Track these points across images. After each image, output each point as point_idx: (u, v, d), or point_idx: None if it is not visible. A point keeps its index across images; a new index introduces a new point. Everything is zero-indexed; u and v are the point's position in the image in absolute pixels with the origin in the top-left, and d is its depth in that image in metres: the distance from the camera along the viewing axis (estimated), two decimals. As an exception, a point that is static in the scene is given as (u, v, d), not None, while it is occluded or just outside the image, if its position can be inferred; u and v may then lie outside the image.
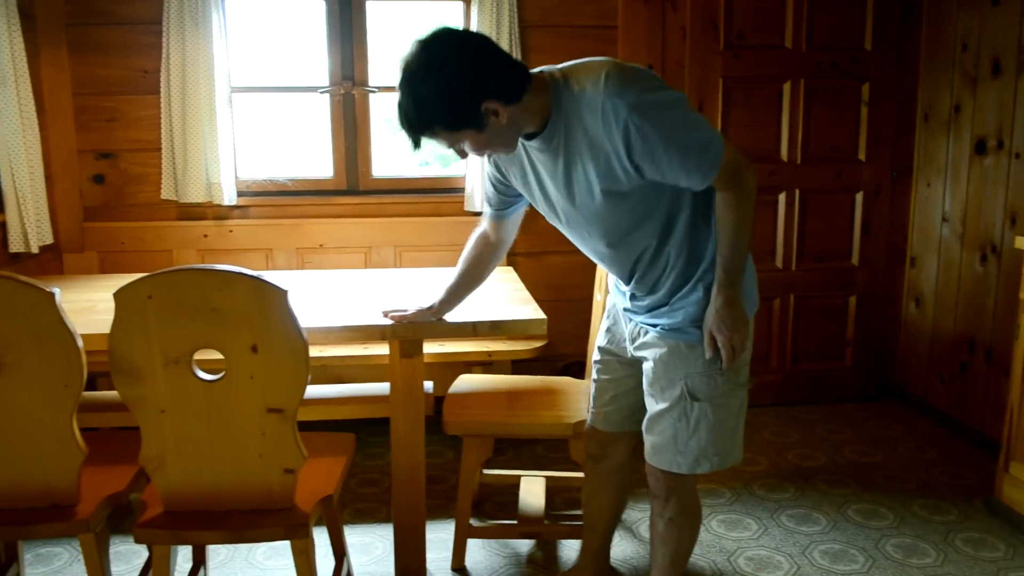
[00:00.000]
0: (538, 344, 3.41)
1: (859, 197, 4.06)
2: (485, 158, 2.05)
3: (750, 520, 2.98)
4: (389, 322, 2.23)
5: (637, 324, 2.05)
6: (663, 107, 1.70)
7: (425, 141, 1.77)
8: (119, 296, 1.76)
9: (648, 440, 2.05)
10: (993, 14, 3.42)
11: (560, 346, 3.70)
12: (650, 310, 2.00)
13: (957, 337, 3.71)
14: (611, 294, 2.19)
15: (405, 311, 2.25)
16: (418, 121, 1.70)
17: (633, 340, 2.08)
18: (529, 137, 1.83)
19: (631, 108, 1.66)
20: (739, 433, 2.05)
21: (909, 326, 4.07)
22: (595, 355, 2.25)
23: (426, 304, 2.25)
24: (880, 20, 3.90)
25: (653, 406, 2.02)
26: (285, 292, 1.76)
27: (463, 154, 1.83)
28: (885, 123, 4.01)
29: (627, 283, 2.02)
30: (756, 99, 3.90)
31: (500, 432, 2.54)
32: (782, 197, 4.00)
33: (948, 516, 3.00)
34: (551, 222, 2.03)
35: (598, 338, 2.25)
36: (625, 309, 2.09)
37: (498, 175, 2.07)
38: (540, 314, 2.36)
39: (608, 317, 2.21)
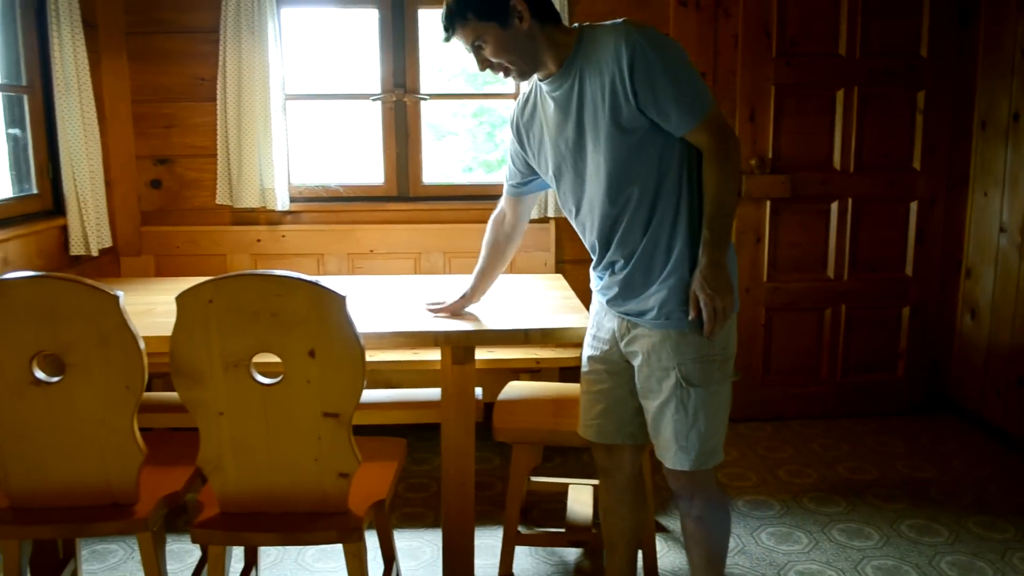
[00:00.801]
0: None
1: (913, 206, 4.00)
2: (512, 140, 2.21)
3: (800, 533, 2.95)
4: (443, 328, 2.25)
5: (624, 319, 2.05)
6: (670, 48, 1.87)
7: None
8: (181, 300, 1.79)
9: (654, 441, 2.05)
10: (1055, 21, 3.35)
11: (607, 354, 3.70)
12: (633, 293, 2.00)
13: (1015, 350, 3.63)
14: (593, 299, 2.19)
15: (443, 303, 2.43)
16: (456, 5, 1.90)
17: (622, 337, 2.06)
18: (547, 78, 1.99)
19: (642, 37, 1.84)
20: (725, 430, 2.06)
21: (964, 338, 3.99)
22: (583, 366, 2.22)
23: (459, 294, 2.44)
24: (937, 26, 3.83)
25: (651, 405, 2.02)
26: (343, 298, 1.78)
27: (483, 63, 1.97)
28: (941, 131, 3.94)
29: (607, 249, 2.02)
30: (809, 107, 3.86)
31: (549, 440, 2.53)
32: (834, 206, 3.95)
33: (1005, 534, 2.93)
34: (558, 189, 2.10)
35: (584, 348, 2.23)
36: (608, 301, 2.07)
37: (519, 148, 2.20)
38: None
39: (592, 325, 2.20)
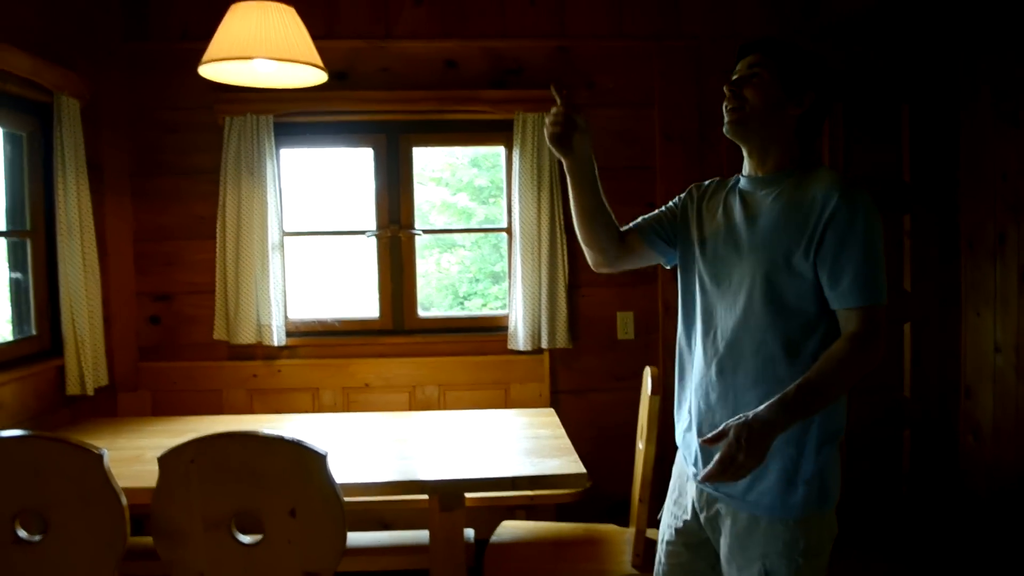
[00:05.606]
0: (581, 488, 3.36)
1: (907, 328, 4.01)
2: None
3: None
4: (430, 477, 2.24)
5: (704, 491, 1.90)
6: (877, 223, 1.82)
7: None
8: (163, 461, 1.80)
9: None
10: (1031, 148, 3.43)
11: (604, 486, 3.64)
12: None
13: (1019, 470, 3.57)
14: (677, 459, 2.03)
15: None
16: (777, 47, 1.90)
17: (702, 510, 1.92)
18: (750, 179, 1.95)
19: (858, 196, 1.79)
20: None
21: (967, 459, 3.93)
22: (662, 534, 2.05)
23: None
24: (917, 152, 3.93)
25: None
26: (324, 456, 1.79)
27: (737, 82, 1.90)
28: (929, 253, 3.99)
29: (717, 374, 1.87)
30: (796, 233, 3.91)
31: (542, 586, 2.49)
32: (827, 329, 3.95)
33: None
34: (688, 272, 2.01)
35: (663, 516, 2.06)
36: (694, 463, 1.93)
37: (677, 210, 2.09)
38: (580, 467, 2.35)
39: (673, 488, 2.04)
